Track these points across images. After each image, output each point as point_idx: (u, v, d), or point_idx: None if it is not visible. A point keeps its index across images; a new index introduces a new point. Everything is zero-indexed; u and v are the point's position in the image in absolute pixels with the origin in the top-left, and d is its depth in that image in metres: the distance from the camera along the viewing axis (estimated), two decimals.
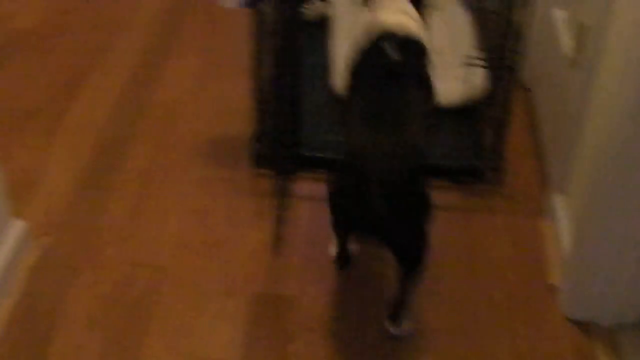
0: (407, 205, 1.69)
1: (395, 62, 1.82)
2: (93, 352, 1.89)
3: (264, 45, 2.24)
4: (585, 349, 1.95)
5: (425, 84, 1.87)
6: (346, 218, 1.80)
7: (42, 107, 2.66)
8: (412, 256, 1.78)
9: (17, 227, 2.09)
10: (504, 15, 2.19)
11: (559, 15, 2.39)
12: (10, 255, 2.03)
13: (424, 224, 1.75)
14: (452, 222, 2.28)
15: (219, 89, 2.78)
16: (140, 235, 2.21)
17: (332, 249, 2.11)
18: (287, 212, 2.26)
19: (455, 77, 2.63)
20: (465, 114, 2.55)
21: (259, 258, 2.15)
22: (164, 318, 1.98)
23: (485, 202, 2.36)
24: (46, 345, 1.90)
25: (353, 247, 2.11)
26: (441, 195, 2.29)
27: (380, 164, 1.64)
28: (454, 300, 2.06)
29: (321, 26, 2.93)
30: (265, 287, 2.07)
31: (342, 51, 2.66)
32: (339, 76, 2.58)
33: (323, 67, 2.72)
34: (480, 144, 2.42)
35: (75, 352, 1.89)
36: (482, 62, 2.42)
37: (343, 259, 2.09)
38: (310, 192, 2.36)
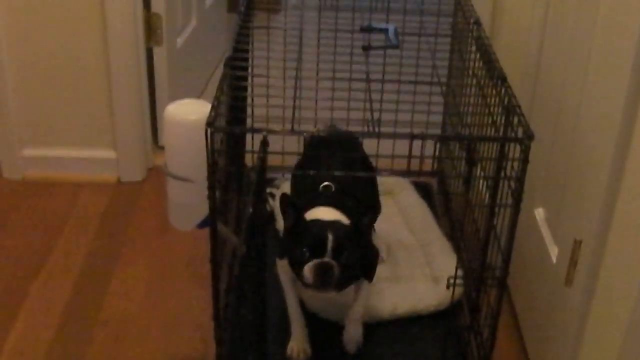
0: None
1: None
2: None
3: (224, 263, 2.05)
4: None
5: None
6: None
7: None
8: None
9: None
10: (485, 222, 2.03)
11: (544, 222, 2.24)
12: None
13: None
14: None
15: (173, 301, 2.55)
16: None
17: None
18: None
19: (429, 277, 2.47)
20: (448, 320, 2.35)
21: None
22: None
23: None
24: None
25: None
26: None
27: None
28: None
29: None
30: None
31: None
32: None
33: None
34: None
35: None
36: (460, 270, 2.24)
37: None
38: None
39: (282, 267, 2.12)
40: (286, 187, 2.70)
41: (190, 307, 2.49)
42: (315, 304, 2.32)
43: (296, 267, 1.95)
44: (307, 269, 1.90)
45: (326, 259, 1.90)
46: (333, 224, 1.97)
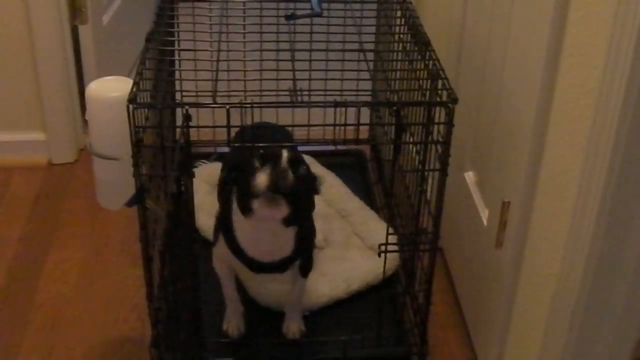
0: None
1: None
2: None
3: (157, 241, 2.02)
4: None
5: None
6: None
7: None
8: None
9: None
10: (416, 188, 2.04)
11: (475, 185, 2.25)
12: None
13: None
14: None
15: (108, 282, 2.52)
16: None
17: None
18: None
19: (362, 247, 2.47)
20: (383, 290, 2.35)
21: None
22: None
23: None
24: None
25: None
26: None
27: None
28: None
29: None
30: None
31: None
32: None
33: None
34: (401, 326, 2.22)
35: None
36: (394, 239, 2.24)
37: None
38: None
39: (218, 256, 2.07)
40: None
41: (125, 287, 2.47)
42: (254, 291, 2.30)
43: (245, 184, 1.75)
44: (260, 174, 1.72)
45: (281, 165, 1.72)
46: (284, 148, 1.78)
